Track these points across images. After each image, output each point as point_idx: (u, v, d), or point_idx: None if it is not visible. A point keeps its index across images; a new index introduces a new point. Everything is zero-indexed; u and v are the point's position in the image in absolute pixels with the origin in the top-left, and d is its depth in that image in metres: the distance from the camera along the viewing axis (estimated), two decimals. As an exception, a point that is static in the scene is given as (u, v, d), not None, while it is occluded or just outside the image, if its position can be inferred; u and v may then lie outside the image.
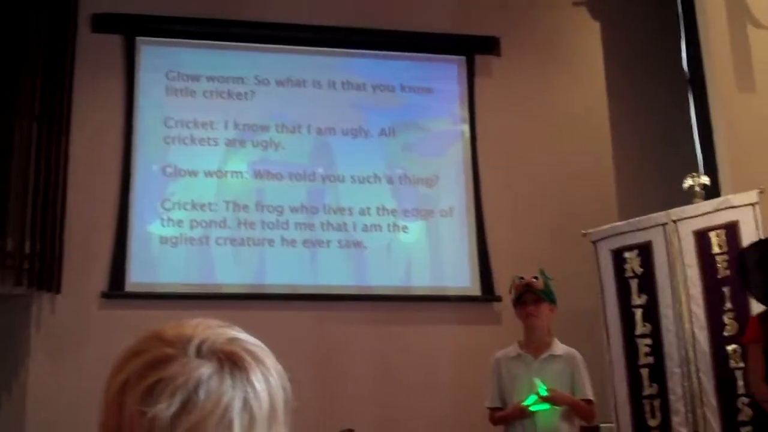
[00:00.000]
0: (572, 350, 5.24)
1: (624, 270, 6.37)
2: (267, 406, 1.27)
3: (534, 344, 5.08)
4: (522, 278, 5.17)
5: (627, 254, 6.39)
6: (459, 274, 8.13)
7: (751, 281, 4.28)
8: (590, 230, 6.64)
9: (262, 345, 1.33)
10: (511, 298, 5.35)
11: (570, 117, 8.41)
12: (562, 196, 8.02)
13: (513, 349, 5.11)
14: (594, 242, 6.58)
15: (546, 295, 5.14)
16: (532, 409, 4.86)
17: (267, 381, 1.28)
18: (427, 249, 8.24)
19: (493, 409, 5.07)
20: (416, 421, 7.36)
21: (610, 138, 8.32)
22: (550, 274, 5.50)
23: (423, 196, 8.32)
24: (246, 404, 1.23)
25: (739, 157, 6.95)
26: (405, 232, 8.21)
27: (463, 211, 8.29)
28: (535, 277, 5.20)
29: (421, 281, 8.12)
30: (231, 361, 1.25)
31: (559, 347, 5.14)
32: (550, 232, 7.76)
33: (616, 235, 6.53)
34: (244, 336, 1.32)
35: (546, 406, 4.89)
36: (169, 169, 7.97)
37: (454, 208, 8.30)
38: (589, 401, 5.06)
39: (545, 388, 4.89)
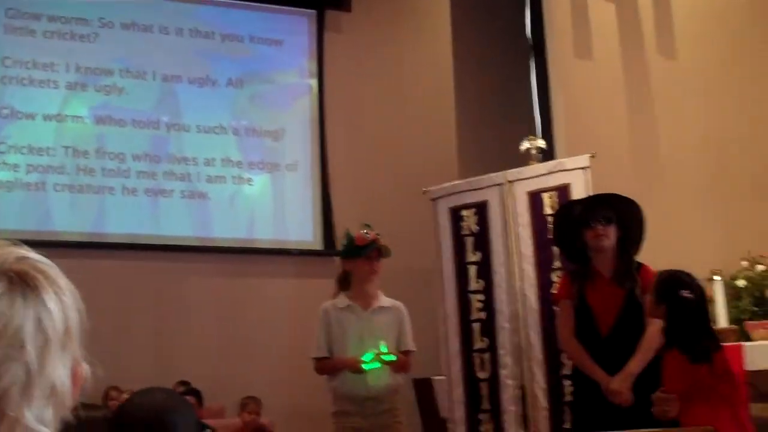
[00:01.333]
0: (398, 303, 5.35)
1: (461, 228, 6.53)
2: (61, 328, 1.20)
3: (364, 296, 5.12)
4: (367, 232, 5.19)
5: (464, 212, 6.55)
6: (302, 228, 8.18)
7: (559, 238, 4.47)
8: (430, 188, 6.77)
9: (54, 265, 1.25)
10: (343, 247, 5.31)
11: (416, 76, 8.53)
12: (405, 154, 8.15)
13: (342, 300, 5.12)
14: (433, 200, 6.72)
15: (387, 251, 5.21)
16: (366, 366, 4.90)
17: (61, 301, 1.21)
18: (271, 202, 8.25)
19: (320, 359, 5.06)
20: (255, 374, 7.40)
21: (453, 98, 8.49)
22: (390, 229, 5.57)
23: (269, 149, 8.30)
24: (39, 325, 1.16)
25: (574, 123, 7.22)
26: (250, 184, 8.19)
27: (308, 166, 8.33)
28: (366, 230, 5.24)
29: (265, 234, 8.14)
30: (22, 281, 1.18)
31: (385, 299, 5.22)
32: (393, 188, 7.88)
33: (455, 193, 6.67)
34: (34, 255, 1.24)
35: (379, 365, 4.95)
36: (5, 111, 7.68)
37: (299, 162, 8.32)
38: (408, 352, 5.17)
39: (387, 349, 4.95)
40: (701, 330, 3.67)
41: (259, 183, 8.22)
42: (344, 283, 5.15)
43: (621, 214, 4.16)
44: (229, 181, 8.12)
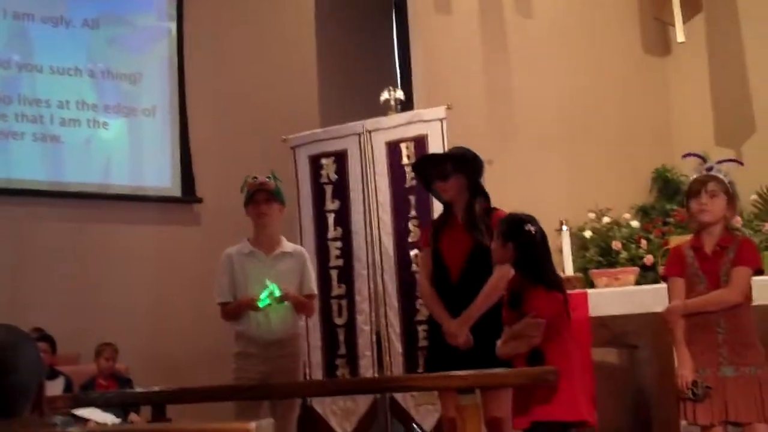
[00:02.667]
0: (300, 247, 5.42)
1: (320, 176, 6.59)
2: None
3: (265, 242, 5.15)
4: (255, 178, 5.21)
5: (324, 161, 6.61)
6: (160, 174, 8.06)
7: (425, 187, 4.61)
8: (290, 136, 6.79)
9: None
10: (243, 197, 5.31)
11: (278, 24, 8.47)
12: (265, 101, 8.10)
13: (245, 246, 5.15)
14: (293, 148, 6.74)
15: (277, 196, 5.23)
16: (262, 304, 4.93)
17: None
18: (128, 147, 8.09)
19: (224, 304, 5.08)
20: (112, 321, 7.29)
21: (315, 47, 8.47)
22: (250, 177, 5.56)
23: (126, 93, 8.11)
24: None
25: (432, 75, 7.34)
26: (105, 128, 8.00)
27: (167, 111, 8.18)
28: (268, 177, 5.26)
29: (121, 180, 7.98)
30: None
31: (288, 245, 5.27)
32: (253, 135, 7.84)
33: (314, 141, 6.72)
34: None
35: (272, 302, 4.97)
36: None
37: (158, 107, 8.17)
38: (312, 295, 5.25)
39: (278, 288, 4.98)
40: (550, 261, 3.87)
41: (115, 127, 8.04)
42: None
43: (463, 166, 4.30)
44: (83, 124, 7.89)
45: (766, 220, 6.46)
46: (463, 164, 4.31)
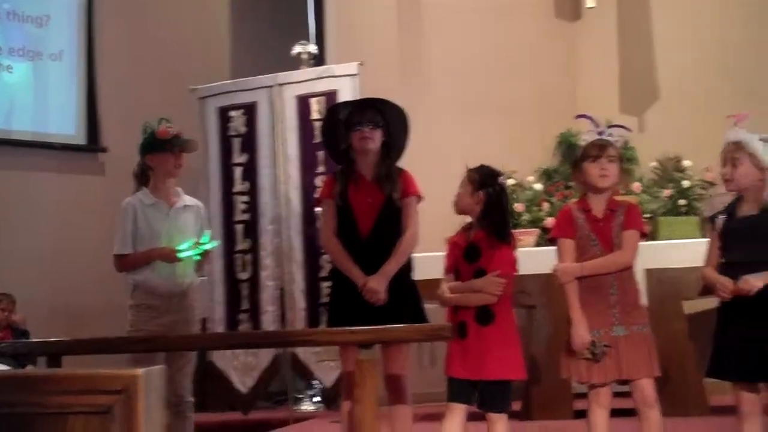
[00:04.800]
0: (198, 201, 5.28)
1: (228, 128, 6.51)
2: None
3: (167, 194, 4.99)
4: (169, 126, 5.02)
5: (233, 113, 6.53)
6: (64, 121, 7.88)
7: (326, 139, 4.54)
8: (198, 86, 6.68)
9: None
10: (143, 141, 5.09)
11: (191, -28, 8.31)
12: (175, 50, 7.96)
13: (147, 197, 4.96)
14: (201, 99, 6.64)
15: (189, 147, 5.08)
16: (181, 255, 4.81)
17: None
18: (32, 92, 7.88)
19: (124, 255, 4.89)
20: (11, 270, 7.13)
21: (228, -2, 8.35)
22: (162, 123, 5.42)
23: (32, 36, 7.88)
24: None
25: (345, 31, 7.31)
26: (9, 72, 7.77)
27: (74, 57, 7.98)
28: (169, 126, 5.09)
29: (24, 125, 7.78)
30: None
31: (187, 198, 5.11)
32: (161, 85, 7.70)
33: (224, 93, 6.62)
34: None
35: (197, 253, 4.86)
36: None
37: (65, 52, 7.96)
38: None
39: (208, 238, 4.88)
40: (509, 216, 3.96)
41: (19, 71, 7.81)
42: (142, 178, 4.98)
43: (387, 119, 4.26)
44: (-15, 67, 7.66)
45: (664, 186, 6.64)
46: (391, 116, 4.28)
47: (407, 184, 4.19)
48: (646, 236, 3.82)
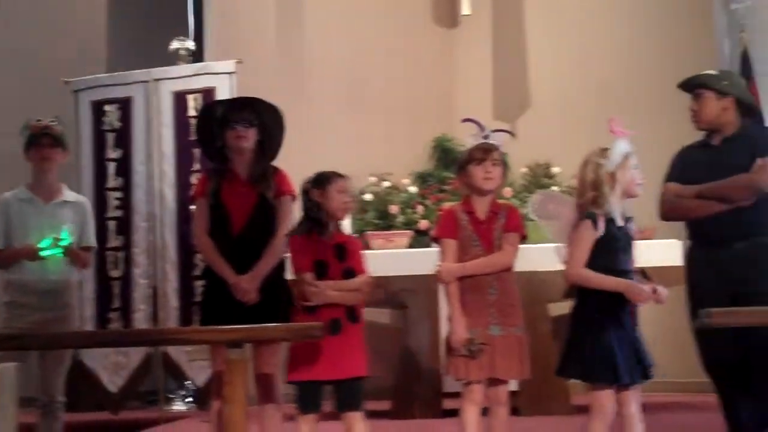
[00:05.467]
0: (82, 197, 5.15)
1: (102, 123, 6.40)
2: None
3: (45, 189, 4.86)
4: (39, 120, 4.89)
5: (107, 107, 6.41)
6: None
7: (200, 137, 4.50)
8: (72, 79, 6.54)
9: None
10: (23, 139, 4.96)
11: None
12: (51, 42, 7.73)
13: (22, 192, 4.83)
14: (75, 91, 6.50)
15: (61, 140, 4.94)
16: (43, 253, 4.69)
17: None
18: None
19: None
20: None
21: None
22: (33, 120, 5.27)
23: None
24: None
25: (225, 28, 7.26)
26: None
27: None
28: (52, 121, 4.95)
29: None
30: None
31: (69, 194, 4.99)
32: (34, 76, 7.47)
33: (99, 86, 6.50)
34: None
35: (58, 251, 4.74)
36: None
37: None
38: (90, 248, 5.03)
39: (68, 235, 4.75)
40: None
41: None
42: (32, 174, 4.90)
43: (263, 118, 4.26)
44: None
45: (534, 192, 6.83)
46: (266, 115, 4.27)
47: (281, 183, 4.19)
48: (525, 239, 3.93)
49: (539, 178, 7.00)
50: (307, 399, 3.75)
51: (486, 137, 3.94)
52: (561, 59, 7.58)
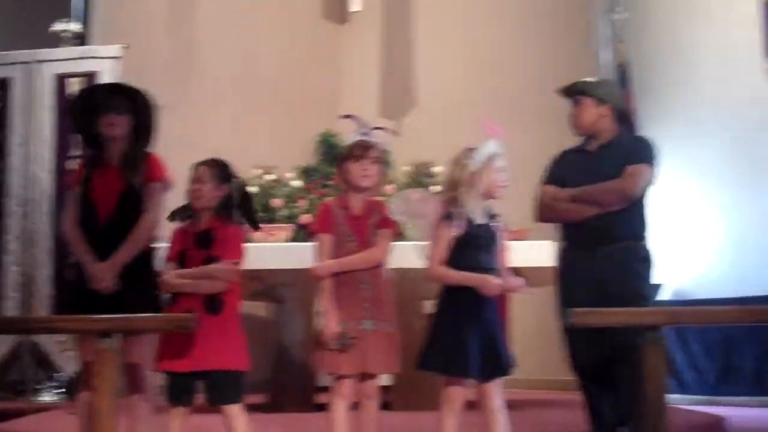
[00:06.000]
0: None
1: (-21, 104, 6.23)
2: None
3: None
4: None
5: (-16, 88, 6.25)
6: None
7: (77, 124, 4.39)
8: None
9: None
10: None
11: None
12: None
13: None
14: (-50, 71, 6.29)
15: None
16: None
17: None
18: None
19: None
20: None
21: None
22: None
23: None
24: None
25: (111, 11, 7.11)
26: None
27: None
28: None
29: None
30: None
31: None
32: None
33: (-23, 67, 6.33)
34: None
35: None
36: None
37: None
38: None
39: None
40: None
41: None
42: None
43: (137, 105, 4.17)
44: None
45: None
46: (139, 102, 4.18)
47: (151, 169, 4.05)
48: (399, 236, 3.98)
49: (421, 176, 7.07)
50: (174, 391, 3.69)
51: (366, 135, 3.98)
52: (448, 60, 7.70)
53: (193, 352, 3.62)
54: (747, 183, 7.20)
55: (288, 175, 6.95)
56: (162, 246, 3.97)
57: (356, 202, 3.90)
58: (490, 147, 3.63)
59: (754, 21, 7.15)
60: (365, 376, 3.80)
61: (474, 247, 3.61)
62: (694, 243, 7.43)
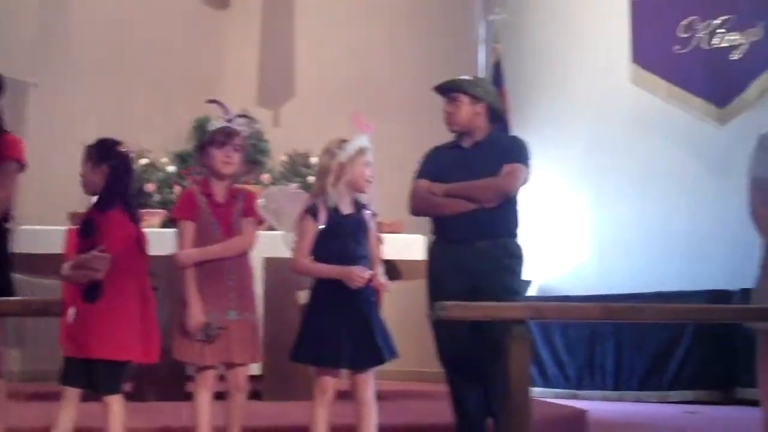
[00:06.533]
0: None
1: None
2: None
3: None
4: None
5: None
6: None
7: None
8: None
9: None
10: None
11: None
12: None
13: None
14: None
15: None
16: None
17: None
18: None
19: None
20: None
21: None
22: None
23: None
24: None
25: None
26: None
27: None
28: None
29: None
30: None
31: None
32: None
33: None
34: None
35: None
36: None
37: None
38: None
39: None
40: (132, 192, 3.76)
41: None
42: None
43: None
44: None
45: (292, 180, 6.89)
46: None
47: (7, 149, 3.86)
48: (262, 224, 3.96)
49: (298, 166, 7.06)
50: (68, 373, 3.54)
51: (230, 121, 3.93)
52: (328, 52, 7.71)
53: (77, 339, 3.49)
54: (611, 184, 7.46)
55: (163, 160, 6.83)
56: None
57: (219, 190, 3.84)
58: (361, 141, 3.64)
59: (622, 26, 7.40)
60: (232, 366, 3.77)
61: (341, 236, 3.60)
62: (562, 241, 7.65)
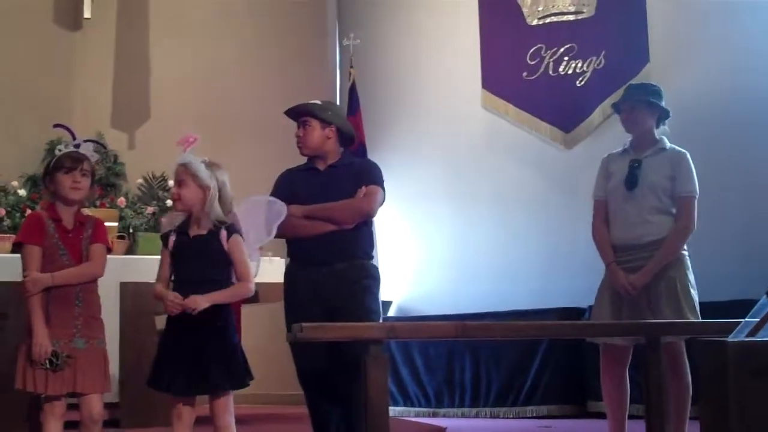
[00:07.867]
0: None
1: None
2: None
3: None
4: None
5: None
6: None
7: None
8: None
9: None
10: None
11: None
12: None
13: None
14: None
15: None
16: None
17: None
18: None
19: None
20: None
21: None
22: None
23: None
24: None
25: None
26: None
27: None
28: None
29: None
30: None
31: None
32: None
33: None
34: None
35: None
36: None
37: None
38: None
39: None
40: None
41: None
42: None
43: None
44: None
45: (149, 203, 6.79)
46: None
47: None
48: (111, 251, 3.93)
49: (155, 189, 6.97)
50: None
51: (77, 146, 3.88)
52: (183, 74, 7.65)
53: None
54: (463, 209, 7.63)
55: (14, 183, 6.64)
56: None
57: (67, 215, 3.78)
58: (198, 161, 3.66)
59: (474, 52, 7.61)
60: (82, 394, 3.69)
61: (186, 258, 3.61)
62: (420, 263, 7.77)
